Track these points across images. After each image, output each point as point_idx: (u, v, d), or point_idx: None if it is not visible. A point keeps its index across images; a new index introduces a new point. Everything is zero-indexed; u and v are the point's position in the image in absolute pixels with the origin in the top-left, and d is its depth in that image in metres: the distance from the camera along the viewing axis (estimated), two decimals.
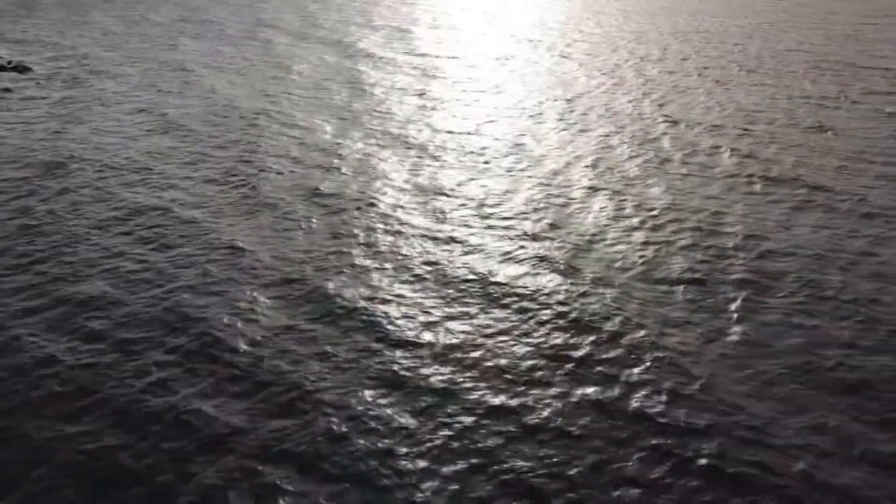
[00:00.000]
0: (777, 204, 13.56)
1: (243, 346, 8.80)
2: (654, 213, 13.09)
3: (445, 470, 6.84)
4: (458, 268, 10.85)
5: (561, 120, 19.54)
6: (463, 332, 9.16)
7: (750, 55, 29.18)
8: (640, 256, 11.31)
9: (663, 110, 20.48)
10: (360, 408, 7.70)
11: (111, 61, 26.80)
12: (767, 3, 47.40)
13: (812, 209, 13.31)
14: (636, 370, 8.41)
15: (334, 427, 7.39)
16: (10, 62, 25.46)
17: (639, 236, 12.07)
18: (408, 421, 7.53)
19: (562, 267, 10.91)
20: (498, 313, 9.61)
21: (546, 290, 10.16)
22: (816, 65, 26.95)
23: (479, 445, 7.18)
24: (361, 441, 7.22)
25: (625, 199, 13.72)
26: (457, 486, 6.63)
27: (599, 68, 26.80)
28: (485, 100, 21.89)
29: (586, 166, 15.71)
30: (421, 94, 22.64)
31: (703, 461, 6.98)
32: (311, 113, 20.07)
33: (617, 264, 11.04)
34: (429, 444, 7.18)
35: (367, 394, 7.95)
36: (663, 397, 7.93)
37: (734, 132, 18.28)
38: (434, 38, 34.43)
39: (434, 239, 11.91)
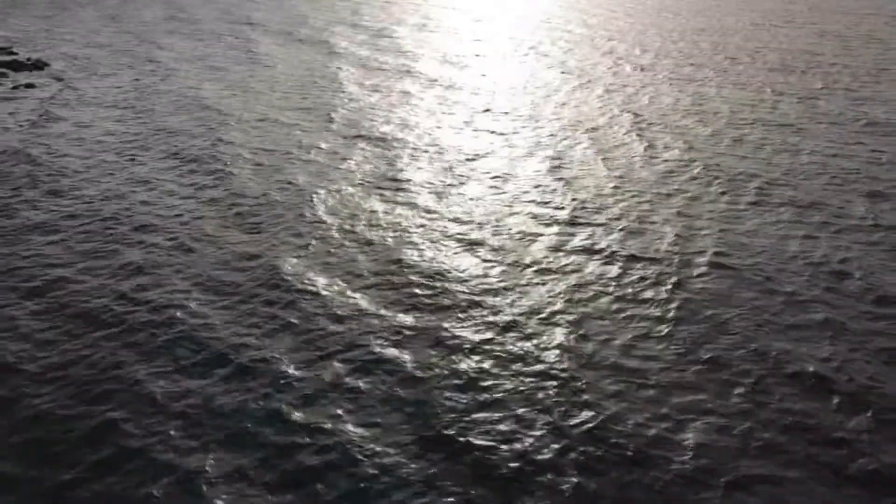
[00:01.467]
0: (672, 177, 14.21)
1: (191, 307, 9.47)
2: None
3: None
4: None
5: (516, 116, 20.19)
6: None
7: (728, 52, 29.86)
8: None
9: (618, 102, 21.14)
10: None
11: (110, 59, 27.58)
12: (765, 2, 48.06)
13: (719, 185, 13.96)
14: None
15: None
16: (28, 59, 26.65)
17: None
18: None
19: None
20: None
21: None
22: (786, 62, 27.60)
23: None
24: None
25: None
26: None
27: (572, 65, 27.47)
28: (452, 97, 22.56)
29: (530, 154, 16.37)
30: (391, 92, 23.33)
31: None
32: (279, 109, 20.77)
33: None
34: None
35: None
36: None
37: (677, 122, 18.94)
38: (415, 38, 35.15)
39: (372, 224, 12.59)
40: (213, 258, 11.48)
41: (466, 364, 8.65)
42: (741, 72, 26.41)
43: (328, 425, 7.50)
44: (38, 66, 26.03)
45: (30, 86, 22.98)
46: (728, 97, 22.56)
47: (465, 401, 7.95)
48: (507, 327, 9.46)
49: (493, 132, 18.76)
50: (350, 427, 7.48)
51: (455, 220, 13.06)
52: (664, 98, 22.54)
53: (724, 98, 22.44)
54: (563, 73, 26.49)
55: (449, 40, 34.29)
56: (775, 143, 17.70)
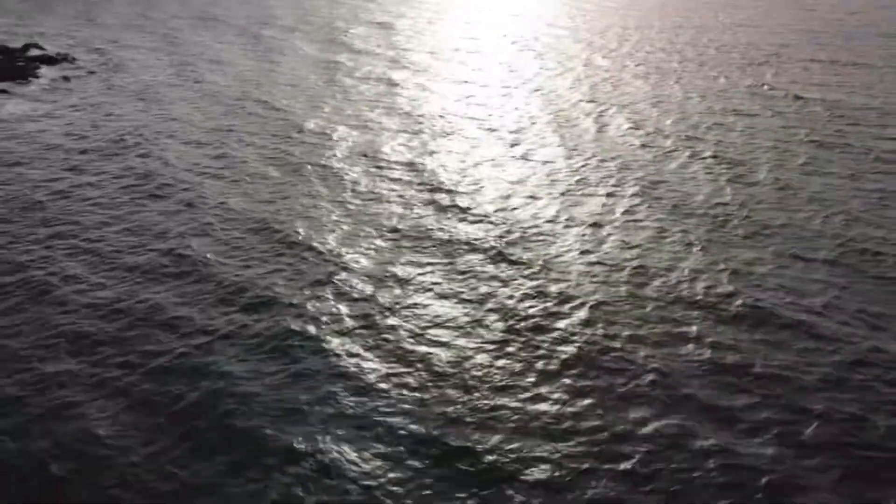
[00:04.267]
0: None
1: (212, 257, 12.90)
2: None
3: None
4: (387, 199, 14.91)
5: (493, 106, 23.54)
6: None
7: (699, 49, 33.08)
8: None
9: (588, 94, 24.43)
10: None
11: (126, 54, 31.13)
12: (752, 2, 51.15)
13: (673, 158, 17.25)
14: None
15: None
16: (58, 54, 30.12)
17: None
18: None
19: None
20: None
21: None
22: (755, 58, 30.80)
23: None
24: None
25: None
26: None
27: (553, 58, 30.78)
28: (441, 88, 25.93)
29: (500, 137, 19.71)
30: (387, 82, 26.72)
31: None
32: (286, 97, 24.20)
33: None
34: None
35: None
36: None
37: (643, 113, 22.23)
38: (412, 32, 38.53)
39: (354, 190, 16.00)
40: (218, 210, 14.93)
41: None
42: (708, 65, 29.62)
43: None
44: (69, 60, 29.54)
45: (66, 79, 26.37)
46: (685, 87, 25.78)
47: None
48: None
49: (465, 116, 22.13)
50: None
51: (428, 185, 16.45)
52: (628, 85, 25.82)
53: (681, 87, 25.67)
54: (541, 66, 29.77)
55: (438, 37, 37.61)
56: (704, 117, 20.94)
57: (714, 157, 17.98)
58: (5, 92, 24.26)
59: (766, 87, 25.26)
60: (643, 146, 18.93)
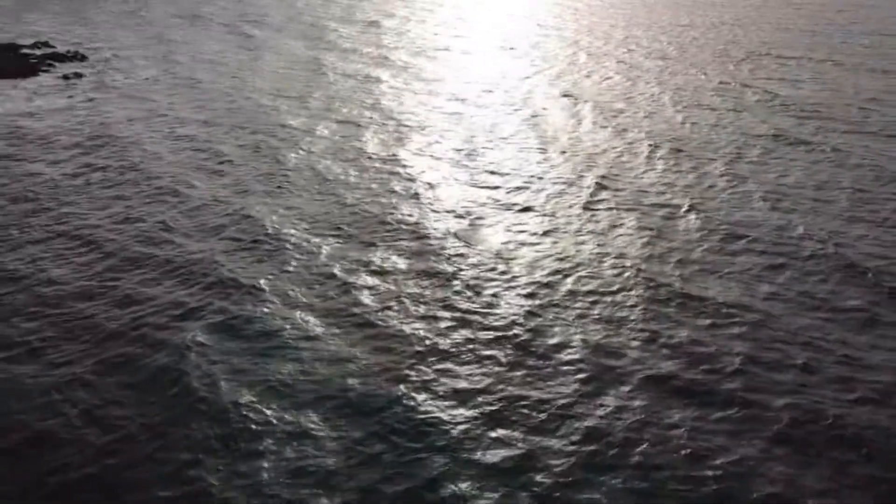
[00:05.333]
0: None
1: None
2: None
3: None
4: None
5: (469, 102, 24.42)
6: None
7: (682, 45, 33.95)
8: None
9: (564, 90, 25.31)
10: None
11: (122, 53, 32.08)
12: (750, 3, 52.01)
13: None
14: None
15: None
16: (68, 51, 31.29)
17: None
18: None
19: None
20: None
21: None
22: (734, 55, 31.66)
23: None
24: None
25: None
26: None
27: (537, 57, 31.67)
28: (420, 87, 26.82)
29: (474, 134, 20.59)
30: (368, 80, 27.61)
31: None
32: (269, 94, 25.10)
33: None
34: None
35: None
36: None
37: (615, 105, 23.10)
38: (398, 31, 39.45)
39: (324, 180, 16.89)
40: (198, 192, 15.85)
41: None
42: (689, 62, 30.49)
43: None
44: (79, 57, 30.70)
45: (78, 75, 27.43)
46: (660, 84, 26.65)
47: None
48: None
49: (445, 111, 23.04)
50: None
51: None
52: (604, 82, 26.70)
53: (656, 84, 26.53)
54: (521, 64, 30.67)
55: (426, 36, 38.54)
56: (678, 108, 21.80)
57: (676, 150, 18.83)
58: (18, 87, 25.51)
59: (737, 83, 26.10)
60: (608, 140, 19.81)
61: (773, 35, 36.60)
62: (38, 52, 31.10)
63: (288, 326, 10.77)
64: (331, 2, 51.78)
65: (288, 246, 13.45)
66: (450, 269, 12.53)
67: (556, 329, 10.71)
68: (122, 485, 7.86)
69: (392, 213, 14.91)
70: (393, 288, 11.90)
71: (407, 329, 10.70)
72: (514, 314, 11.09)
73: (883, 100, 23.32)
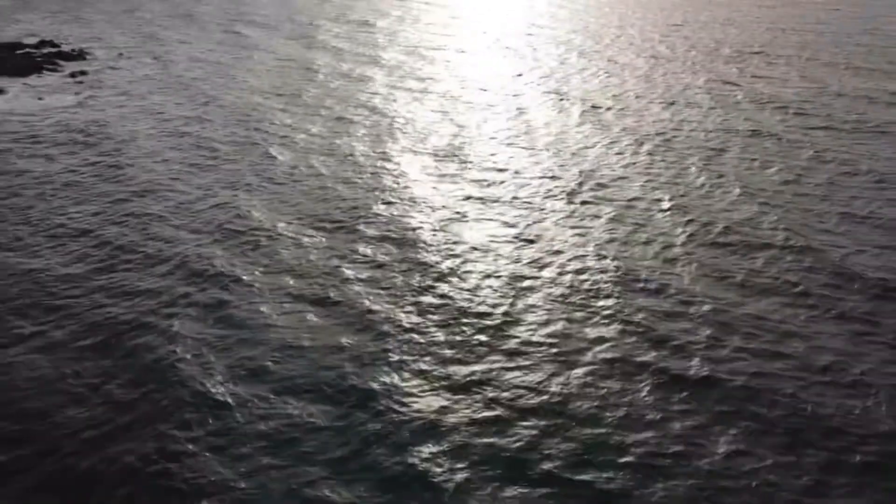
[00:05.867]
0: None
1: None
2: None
3: None
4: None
5: (450, 99, 24.95)
6: None
7: (671, 44, 34.50)
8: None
9: (551, 88, 25.85)
10: None
11: (139, 48, 32.63)
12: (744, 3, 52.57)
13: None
14: None
15: None
16: (73, 49, 32.19)
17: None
18: None
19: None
20: None
21: None
22: (723, 54, 32.20)
23: None
24: None
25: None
26: None
27: (526, 55, 32.21)
28: (412, 85, 27.35)
29: (453, 134, 21.11)
30: (359, 79, 28.12)
31: None
32: (258, 91, 25.62)
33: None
34: None
35: None
36: None
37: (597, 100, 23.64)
38: (391, 30, 39.96)
39: (310, 175, 17.39)
40: (193, 183, 16.35)
41: None
42: (674, 61, 31.03)
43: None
44: (83, 56, 31.52)
45: (83, 72, 28.25)
46: (646, 82, 27.18)
47: None
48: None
49: (433, 109, 23.58)
50: None
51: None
52: (592, 80, 27.24)
53: (643, 82, 27.06)
54: (510, 63, 31.21)
55: (417, 35, 39.07)
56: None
57: (658, 145, 19.37)
58: (27, 85, 26.38)
59: (721, 81, 26.64)
60: (591, 136, 20.36)
61: (762, 34, 37.12)
62: (42, 50, 31.91)
63: (266, 312, 11.30)
64: (326, 1, 52.26)
65: (272, 238, 13.97)
66: (429, 258, 13.06)
67: (531, 313, 11.23)
68: (100, 458, 8.39)
69: (373, 206, 15.44)
70: (369, 276, 12.42)
71: (381, 315, 11.23)
72: (490, 301, 11.61)
73: (867, 98, 23.84)
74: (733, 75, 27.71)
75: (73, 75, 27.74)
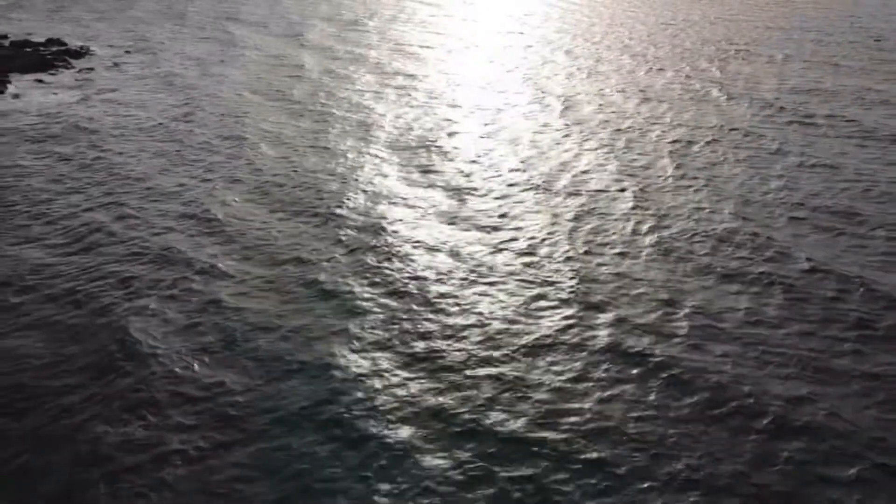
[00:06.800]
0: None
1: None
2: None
3: None
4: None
5: (424, 98, 25.71)
6: None
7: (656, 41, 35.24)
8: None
9: (535, 83, 26.60)
10: None
11: (143, 46, 33.48)
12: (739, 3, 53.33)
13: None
14: None
15: None
16: (80, 48, 33.49)
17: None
18: None
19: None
20: None
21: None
22: (707, 53, 32.93)
23: None
24: None
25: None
26: None
27: (514, 56, 32.98)
28: (395, 82, 28.12)
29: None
30: (345, 77, 28.90)
31: None
32: (240, 88, 26.41)
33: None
34: None
35: None
36: None
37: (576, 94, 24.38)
38: (381, 29, 40.77)
39: (274, 158, 18.15)
40: (173, 174, 17.13)
41: None
42: (657, 59, 31.76)
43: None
44: (90, 53, 32.85)
45: (90, 69, 29.61)
46: (629, 80, 27.91)
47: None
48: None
49: (413, 106, 24.32)
50: None
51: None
52: (572, 82, 27.98)
53: (625, 80, 27.79)
54: (494, 64, 31.96)
55: (406, 35, 39.85)
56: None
57: (629, 139, 20.10)
58: (40, 81, 27.59)
59: (701, 79, 27.38)
60: (564, 130, 21.14)
61: (751, 34, 37.85)
62: (52, 48, 33.16)
63: (228, 296, 12.06)
64: (302, 2, 53.09)
65: (244, 225, 14.74)
66: (395, 246, 13.82)
67: (482, 299, 11.97)
68: (66, 425, 9.17)
69: (345, 196, 16.18)
70: (327, 261, 13.18)
71: (339, 296, 11.98)
72: (452, 282, 12.36)
73: (841, 95, 24.57)
74: (713, 73, 28.45)
75: (80, 71, 28.94)
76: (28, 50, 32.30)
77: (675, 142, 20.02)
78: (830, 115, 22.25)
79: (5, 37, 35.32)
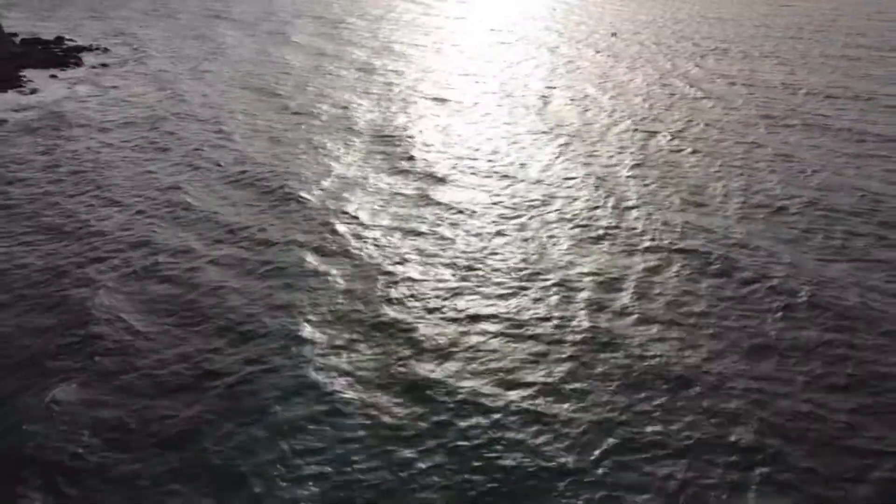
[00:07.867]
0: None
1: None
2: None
3: None
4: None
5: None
6: None
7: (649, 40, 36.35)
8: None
9: (523, 80, 27.72)
10: None
11: (153, 43, 34.67)
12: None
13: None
14: None
15: None
16: (92, 45, 35.19)
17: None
18: None
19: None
20: None
21: None
22: (705, 48, 34.03)
23: None
24: None
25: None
26: None
27: (496, 54, 34.09)
28: (376, 79, 29.26)
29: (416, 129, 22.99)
30: (325, 74, 30.03)
31: None
32: (226, 84, 27.55)
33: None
34: None
35: None
36: None
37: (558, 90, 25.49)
38: (366, 28, 41.90)
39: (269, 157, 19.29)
40: (146, 165, 18.29)
41: None
42: (647, 57, 32.86)
43: None
44: (103, 50, 34.45)
45: (104, 65, 31.17)
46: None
47: None
48: None
49: (396, 101, 25.43)
50: None
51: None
52: (551, 74, 29.11)
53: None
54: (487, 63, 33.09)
55: (405, 34, 40.97)
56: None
57: (594, 134, 21.22)
58: (55, 77, 29.19)
59: (673, 75, 28.52)
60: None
61: (747, 31, 38.93)
62: (63, 45, 34.95)
63: (196, 271, 13.22)
64: (293, 2, 54.20)
65: (212, 211, 15.89)
66: (355, 230, 14.96)
67: (442, 279, 13.09)
68: (34, 383, 10.35)
69: (312, 184, 17.32)
70: (295, 238, 14.34)
71: (301, 272, 13.13)
72: (401, 259, 13.50)
73: (808, 92, 25.67)
74: (685, 69, 29.55)
75: (93, 67, 30.42)
76: (40, 48, 33.92)
77: (639, 132, 21.15)
78: (792, 111, 23.35)
79: (15, 34, 36.80)
